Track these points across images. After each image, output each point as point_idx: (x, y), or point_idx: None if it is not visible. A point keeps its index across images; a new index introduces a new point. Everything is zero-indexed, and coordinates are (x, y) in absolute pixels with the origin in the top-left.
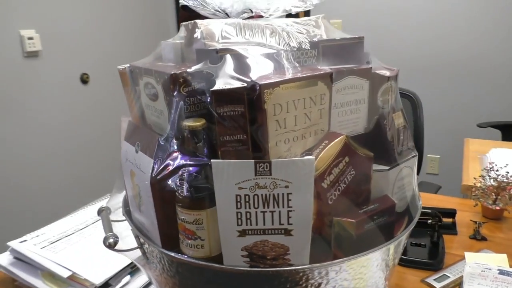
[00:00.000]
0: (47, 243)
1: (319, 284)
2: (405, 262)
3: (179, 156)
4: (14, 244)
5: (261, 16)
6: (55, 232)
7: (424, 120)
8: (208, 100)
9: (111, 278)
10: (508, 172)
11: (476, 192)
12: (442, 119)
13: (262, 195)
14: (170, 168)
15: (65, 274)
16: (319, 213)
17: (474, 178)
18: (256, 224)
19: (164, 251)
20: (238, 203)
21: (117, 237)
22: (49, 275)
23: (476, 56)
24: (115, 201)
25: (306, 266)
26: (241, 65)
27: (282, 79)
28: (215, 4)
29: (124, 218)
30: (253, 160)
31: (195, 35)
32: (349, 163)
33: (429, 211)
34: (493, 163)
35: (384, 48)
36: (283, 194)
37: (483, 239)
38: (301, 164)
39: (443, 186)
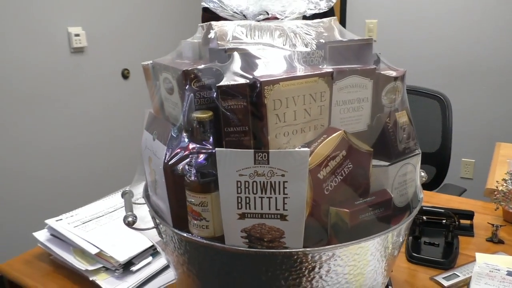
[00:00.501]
0: (80, 223)
1: (313, 267)
2: (416, 260)
3: (189, 144)
4: (50, 222)
5: (277, 18)
6: (88, 213)
7: (458, 122)
8: (215, 94)
9: (134, 257)
10: None
11: (498, 195)
12: (479, 123)
13: (260, 182)
14: (181, 154)
15: (93, 251)
16: (315, 202)
17: (497, 182)
18: (255, 208)
19: (175, 230)
20: (239, 188)
21: (135, 217)
22: (80, 252)
23: None
24: (138, 186)
25: (299, 250)
26: (248, 64)
27: (282, 77)
28: (233, 7)
29: (144, 201)
30: (253, 150)
31: (210, 36)
32: (346, 156)
33: (442, 211)
34: None
35: (419, 48)
36: (279, 182)
37: (500, 242)
38: (296, 155)
39: (476, 191)
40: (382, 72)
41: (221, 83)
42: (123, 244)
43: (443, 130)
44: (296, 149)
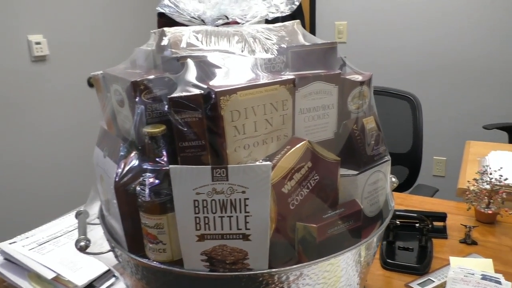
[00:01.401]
0: (35, 245)
1: None
2: (391, 266)
3: (141, 162)
4: (3, 245)
5: (237, 23)
6: (44, 234)
7: (429, 121)
8: (166, 107)
9: (95, 280)
10: (501, 176)
11: (469, 195)
12: (449, 121)
13: (219, 200)
14: (132, 173)
15: (49, 275)
16: (281, 218)
17: (468, 181)
18: (215, 229)
19: (130, 254)
20: (196, 208)
21: (88, 241)
22: (35, 276)
23: (482, 57)
24: (95, 204)
25: (265, 271)
26: (204, 72)
27: (239, 86)
28: (190, 11)
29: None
30: (210, 166)
31: (162, 43)
32: (312, 168)
33: (415, 214)
34: (487, 166)
35: (389, 49)
36: (240, 199)
37: (474, 243)
38: (257, 170)
39: (448, 189)
40: (347, 77)
41: (173, 95)
42: (83, 266)
43: (414, 130)
44: (257, 163)
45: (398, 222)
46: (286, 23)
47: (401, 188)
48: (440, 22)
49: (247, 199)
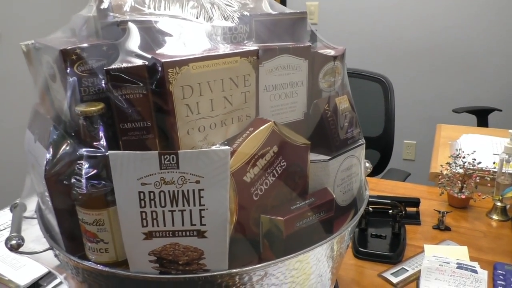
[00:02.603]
0: None
1: None
2: (363, 255)
3: (75, 147)
4: None
5: None
6: None
7: (399, 105)
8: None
9: (41, 279)
10: (475, 159)
11: (442, 180)
12: (419, 105)
13: (169, 191)
14: (65, 161)
15: None
16: (242, 211)
17: (441, 166)
18: (164, 225)
19: (67, 255)
20: (142, 201)
21: (21, 239)
22: None
23: (453, 42)
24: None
25: (224, 272)
26: (150, 41)
27: (191, 56)
28: None
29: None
30: (157, 152)
31: (102, 6)
32: (279, 153)
33: (389, 201)
34: (460, 149)
35: (360, 31)
36: (193, 190)
37: (447, 229)
38: (213, 156)
39: (419, 173)
40: (319, 51)
41: (111, 66)
42: (26, 263)
43: (386, 113)
44: (214, 147)
45: (370, 209)
46: None
47: (372, 172)
48: (412, 6)
49: (202, 190)
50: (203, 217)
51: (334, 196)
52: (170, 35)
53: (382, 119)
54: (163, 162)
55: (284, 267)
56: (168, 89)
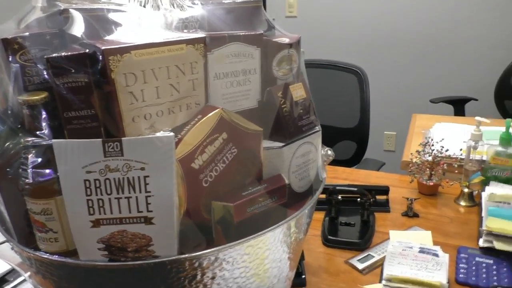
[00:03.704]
0: None
1: (194, 276)
2: (332, 242)
3: (20, 136)
4: None
5: None
6: None
7: (378, 97)
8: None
9: (8, 273)
10: (443, 147)
11: (412, 168)
12: (398, 96)
13: (114, 179)
14: (11, 152)
15: None
16: (192, 197)
17: (411, 154)
18: (111, 213)
19: (18, 245)
20: (88, 189)
21: None
22: None
23: (430, 33)
24: None
25: (173, 257)
26: (95, 29)
27: (133, 44)
28: None
29: None
30: (101, 139)
31: None
32: (229, 139)
33: (355, 189)
34: (429, 137)
35: (339, 24)
36: (139, 177)
37: (415, 215)
38: (157, 142)
39: (396, 163)
40: (272, 39)
41: (52, 54)
42: None
43: (362, 104)
44: (158, 134)
45: (340, 198)
46: None
47: (349, 162)
48: None
49: (147, 176)
50: (150, 203)
51: (288, 182)
52: (119, 24)
53: (358, 110)
54: (107, 150)
55: (235, 252)
56: (110, 77)
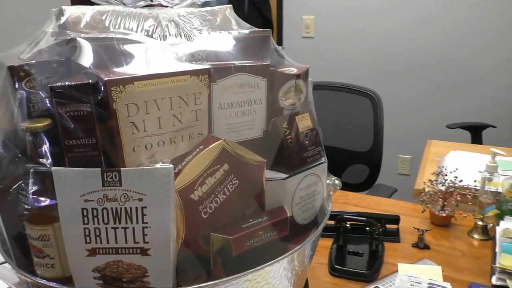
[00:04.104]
0: None
1: None
2: (339, 272)
3: (22, 161)
4: None
5: (163, 6)
6: None
7: (394, 120)
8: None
9: None
10: (456, 177)
11: (424, 197)
12: (414, 120)
13: (112, 209)
14: (12, 176)
15: None
16: (190, 229)
17: (424, 183)
18: (108, 242)
19: (17, 268)
20: (85, 218)
21: None
22: None
23: (449, 58)
24: None
25: None
26: (107, 60)
27: (136, 75)
28: None
29: None
30: (100, 169)
31: (59, 22)
32: (230, 171)
33: (364, 218)
34: (443, 166)
35: (355, 46)
36: (136, 208)
37: (426, 247)
38: (156, 174)
39: (412, 188)
40: (279, 70)
41: (56, 84)
42: None
43: (375, 128)
44: (157, 165)
45: (348, 225)
46: (215, 7)
47: (360, 187)
48: (406, 21)
49: (145, 207)
50: (146, 234)
51: (291, 214)
52: (128, 55)
53: (371, 134)
54: (105, 179)
55: (232, 286)
56: (112, 107)
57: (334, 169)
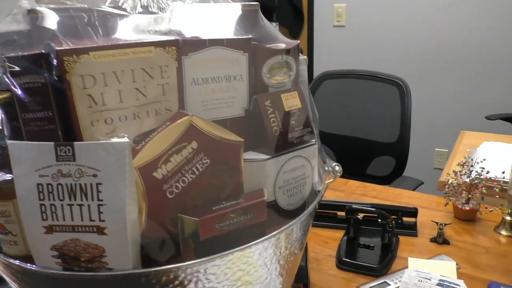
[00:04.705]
0: None
1: None
2: (345, 265)
3: None
4: None
5: None
6: None
7: (431, 113)
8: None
9: None
10: (483, 168)
11: (448, 189)
12: (452, 112)
13: (67, 185)
14: None
15: None
16: (154, 209)
17: (448, 174)
18: (64, 220)
19: None
20: (41, 194)
21: None
22: None
23: (488, 45)
24: None
25: (126, 272)
26: (68, 30)
27: (92, 45)
28: None
29: None
30: (53, 143)
31: None
32: (199, 149)
33: (373, 209)
34: (469, 157)
35: (388, 34)
36: (91, 184)
37: (445, 242)
38: (110, 148)
39: None
40: (267, 45)
41: (10, 54)
42: None
43: (402, 118)
44: (112, 140)
45: (360, 217)
46: None
47: (386, 180)
48: (442, 7)
49: (100, 184)
50: (102, 212)
51: (273, 198)
52: (95, 26)
53: (398, 124)
54: (59, 154)
55: (196, 272)
56: (65, 78)
57: (359, 160)
